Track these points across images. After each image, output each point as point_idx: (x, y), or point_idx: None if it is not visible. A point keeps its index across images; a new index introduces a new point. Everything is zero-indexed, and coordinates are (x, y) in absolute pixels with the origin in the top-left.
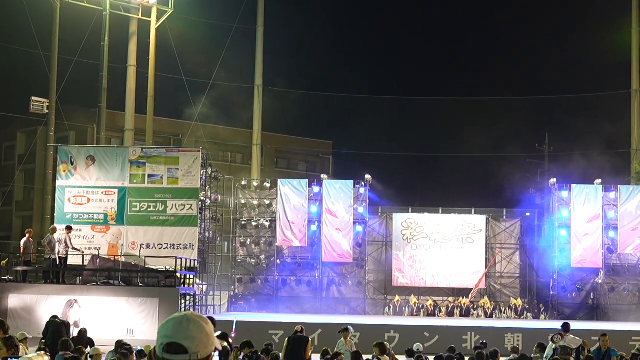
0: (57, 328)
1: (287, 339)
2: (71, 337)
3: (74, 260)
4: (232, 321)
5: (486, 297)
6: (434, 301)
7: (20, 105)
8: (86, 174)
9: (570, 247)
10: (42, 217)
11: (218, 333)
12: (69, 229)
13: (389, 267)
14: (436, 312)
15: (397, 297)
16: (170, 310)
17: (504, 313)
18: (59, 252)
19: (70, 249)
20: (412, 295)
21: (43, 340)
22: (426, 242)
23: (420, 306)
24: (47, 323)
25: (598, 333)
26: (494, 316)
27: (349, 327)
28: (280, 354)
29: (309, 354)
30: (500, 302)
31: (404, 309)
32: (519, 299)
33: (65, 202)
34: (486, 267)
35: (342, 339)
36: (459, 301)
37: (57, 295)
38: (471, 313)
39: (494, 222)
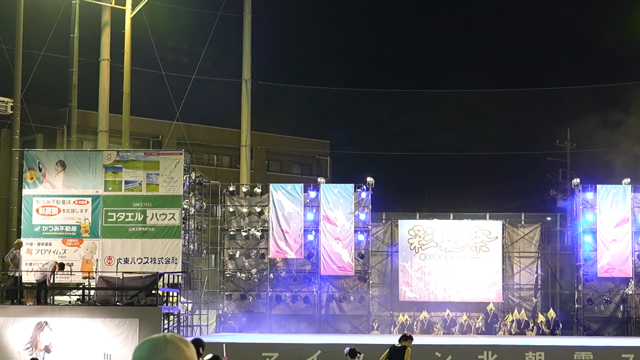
0: None
1: (389, 347)
2: None
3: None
4: (222, 345)
5: (523, 312)
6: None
7: None
8: (56, 182)
9: (596, 254)
10: (7, 230)
11: (209, 356)
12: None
13: (395, 280)
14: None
15: (405, 316)
16: (152, 332)
17: (531, 330)
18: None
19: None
20: (425, 311)
21: None
22: (436, 251)
23: (433, 322)
24: None
25: (630, 350)
26: (526, 333)
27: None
28: None
29: None
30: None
31: (413, 327)
32: (550, 310)
33: (33, 212)
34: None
35: None
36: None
37: (25, 317)
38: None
39: (511, 228)
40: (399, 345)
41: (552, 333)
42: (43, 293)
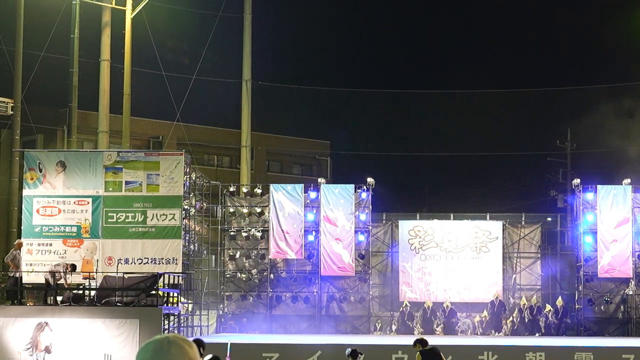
0: None
1: (418, 353)
2: None
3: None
4: (227, 344)
5: (534, 297)
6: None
7: None
8: (56, 182)
9: (597, 255)
10: (7, 231)
11: (209, 356)
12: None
13: (395, 280)
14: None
15: (405, 302)
16: (152, 332)
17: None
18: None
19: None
20: (428, 300)
21: None
22: (436, 251)
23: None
24: None
25: (630, 350)
26: (539, 320)
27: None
28: None
29: None
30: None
31: (413, 324)
32: (559, 298)
33: (34, 213)
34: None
35: None
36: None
37: (25, 317)
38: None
39: (512, 228)
40: (428, 347)
41: (561, 321)
42: (53, 293)
